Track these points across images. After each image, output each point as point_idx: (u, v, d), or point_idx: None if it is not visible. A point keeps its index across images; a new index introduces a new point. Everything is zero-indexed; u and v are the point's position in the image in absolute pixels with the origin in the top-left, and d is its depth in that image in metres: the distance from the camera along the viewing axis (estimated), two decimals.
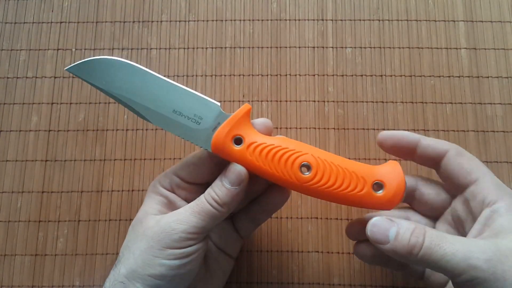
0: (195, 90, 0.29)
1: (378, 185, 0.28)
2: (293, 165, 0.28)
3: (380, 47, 0.42)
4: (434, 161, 0.30)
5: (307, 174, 0.28)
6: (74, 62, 0.41)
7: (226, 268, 0.34)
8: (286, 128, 0.40)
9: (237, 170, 0.28)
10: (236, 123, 0.28)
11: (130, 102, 0.29)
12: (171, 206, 0.30)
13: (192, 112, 0.29)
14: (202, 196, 0.29)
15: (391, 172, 0.28)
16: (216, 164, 0.30)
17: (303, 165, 0.28)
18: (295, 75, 0.41)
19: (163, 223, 0.27)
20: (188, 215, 0.28)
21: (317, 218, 0.38)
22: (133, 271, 0.27)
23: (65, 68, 0.30)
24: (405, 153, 0.31)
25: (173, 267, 0.27)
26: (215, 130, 0.28)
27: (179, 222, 0.27)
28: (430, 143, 0.30)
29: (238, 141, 0.28)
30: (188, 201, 0.31)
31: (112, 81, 0.29)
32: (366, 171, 0.28)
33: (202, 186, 0.32)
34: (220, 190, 0.28)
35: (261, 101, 0.41)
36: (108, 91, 0.29)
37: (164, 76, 0.30)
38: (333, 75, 0.41)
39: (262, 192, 0.32)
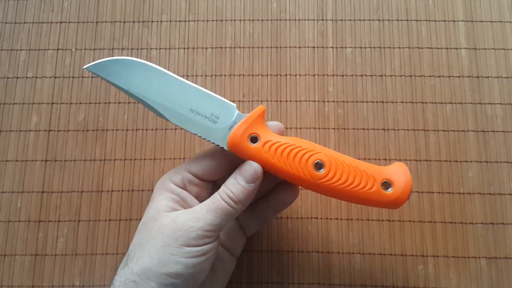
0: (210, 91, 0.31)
1: (387, 184, 0.29)
2: (307, 163, 0.29)
3: (380, 47, 0.42)
4: None
5: (321, 172, 0.28)
6: (74, 62, 0.42)
7: (229, 267, 0.34)
8: (286, 128, 0.40)
9: (253, 167, 0.28)
10: (252, 122, 0.29)
11: (148, 101, 0.30)
12: (183, 204, 0.30)
13: (209, 112, 0.30)
14: (216, 194, 0.29)
15: (399, 172, 0.29)
16: (229, 162, 0.31)
17: (317, 163, 0.29)
18: (295, 75, 0.41)
19: (180, 221, 0.27)
20: (204, 212, 0.28)
21: (317, 218, 0.38)
22: (147, 270, 0.27)
23: (83, 67, 0.30)
24: None
25: (189, 265, 0.27)
26: (231, 129, 0.29)
27: (196, 220, 0.27)
28: None
29: (254, 139, 0.29)
30: (199, 198, 0.31)
31: (131, 80, 0.30)
32: (375, 170, 0.29)
33: (213, 184, 0.32)
34: (235, 188, 0.28)
35: (261, 101, 0.41)
36: (126, 90, 0.30)
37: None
38: (333, 75, 0.41)
39: (270, 190, 0.33)
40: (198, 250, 0.27)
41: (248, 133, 0.29)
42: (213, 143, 0.30)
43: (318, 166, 0.29)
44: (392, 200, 0.28)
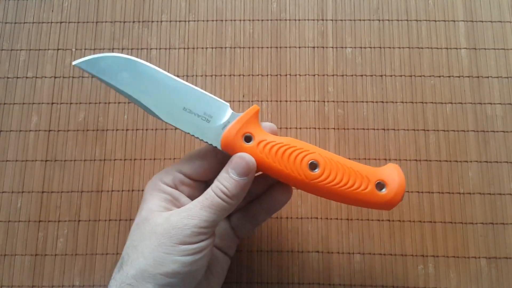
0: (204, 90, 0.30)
1: (381, 185, 0.29)
2: (302, 163, 0.28)
3: (380, 47, 0.42)
4: None
5: (315, 172, 0.28)
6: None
7: (224, 266, 0.34)
8: (286, 128, 0.40)
9: (244, 160, 0.28)
10: (246, 122, 0.29)
11: (139, 98, 0.29)
12: (175, 203, 0.30)
13: (202, 110, 0.29)
14: (210, 190, 0.28)
15: (393, 173, 0.29)
16: (220, 161, 0.31)
17: (311, 163, 0.28)
18: (295, 75, 0.41)
19: (174, 220, 0.27)
20: (198, 209, 0.27)
21: (317, 218, 0.38)
22: (143, 271, 0.26)
23: (73, 63, 0.29)
24: None
25: (186, 263, 0.26)
26: (225, 128, 0.29)
27: (190, 217, 0.27)
28: None
29: (248, 139, 0.29)
30: (191, 197, 0.30)
31: (121, 78, 0.29)
32: (369, 171, 0.29)
33: (204, 183, 0.32)
34: (228, 182, 0.28)
35: (261, 101, 0.41)
36: (117, 87, 0.29)
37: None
38: (333, 75, 0.41)
39: (262, 192, 0.32)
40: (194, 248, 0.27)
41: (242, 133, 0.29)
42: (206, 142, 0.29)
43: (313, 166, 0.28)
44: (386, 201, 0.28)
